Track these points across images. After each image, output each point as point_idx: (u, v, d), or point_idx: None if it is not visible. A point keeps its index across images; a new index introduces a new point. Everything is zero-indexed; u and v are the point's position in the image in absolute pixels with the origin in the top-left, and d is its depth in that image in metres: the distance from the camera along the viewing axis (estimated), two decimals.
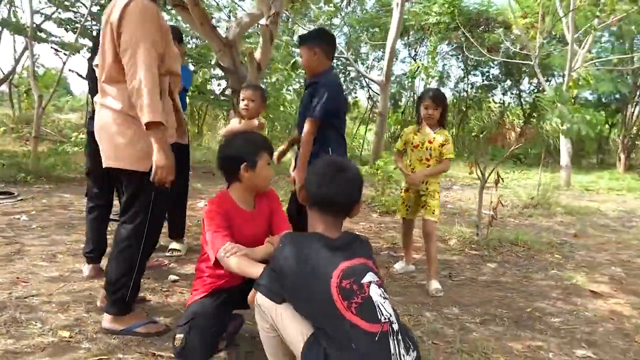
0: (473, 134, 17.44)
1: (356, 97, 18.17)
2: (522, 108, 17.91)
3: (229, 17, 11.94)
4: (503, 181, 4.95)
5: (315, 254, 1.63)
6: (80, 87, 58.49)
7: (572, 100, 7.00)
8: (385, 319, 1.55)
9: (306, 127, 3.04)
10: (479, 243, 4.74)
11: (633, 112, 15.87)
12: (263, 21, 4.24)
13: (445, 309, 3.15)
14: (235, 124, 3.69)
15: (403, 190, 3.88)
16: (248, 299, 1.82)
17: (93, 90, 3.15)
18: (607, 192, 10.31)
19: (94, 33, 7.88)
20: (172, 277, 3.37)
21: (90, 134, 3.12)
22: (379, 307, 1.55)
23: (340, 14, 13.54)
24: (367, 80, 16.28)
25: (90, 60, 3.30)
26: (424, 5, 15.03)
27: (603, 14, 9.02)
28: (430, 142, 3.64)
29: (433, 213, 3.60)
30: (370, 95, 17.73)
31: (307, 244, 1.67)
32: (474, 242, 4.76)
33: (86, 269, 3.33)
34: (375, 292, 1.58)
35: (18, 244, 3.98)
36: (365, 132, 17.24)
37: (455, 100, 18.10)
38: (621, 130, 15.23)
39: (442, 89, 18.52)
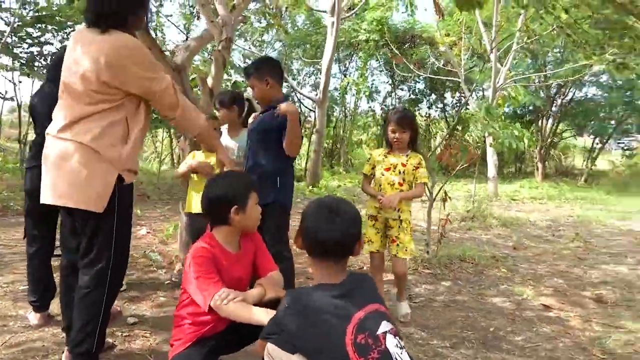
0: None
1: None
2: (447, 121, 18.73)
3: (156, 34, 11.62)
4: (451, 199, 5.13)
5: (324, 309, 1.57)
6: None
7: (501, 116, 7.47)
8: None
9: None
10: (430, 261, 4.86)
11: (546, 124, 17.10)
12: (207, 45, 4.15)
13: (414, 334, 3.18)
14: (189, 159, 3.57)
15: (370, 219, 3.46)
16: (256, 350, 1.74)
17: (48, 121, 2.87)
18: (530, 201, 11.00)
19: (16, 50, 7.36)
20: (131, 319, 3.17)
21: (31, 169, 2.89)
22: (396, 359, 1.53)
23: (272, 31, 13.55)
24: (298, 95, 16.39)
25: (49, 87, 2.97)
26: (353, 23, 15.37)
27: (525, 37, 9.67)
28: (403, 164, 3.38)
29: (406, 250, 3.34)
30: (301, 110, 17.86)
31: (313, 301, 1.61)
32: (425, 260, 4.88)
33: (33, 317, 3.05)
34: (391, 343, 1.55)
35: None
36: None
37: (383, 115, 18.67)
38: (537, 141, 16.33)
39: (371, 104, 19.09)
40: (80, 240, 2.33)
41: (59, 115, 2.25)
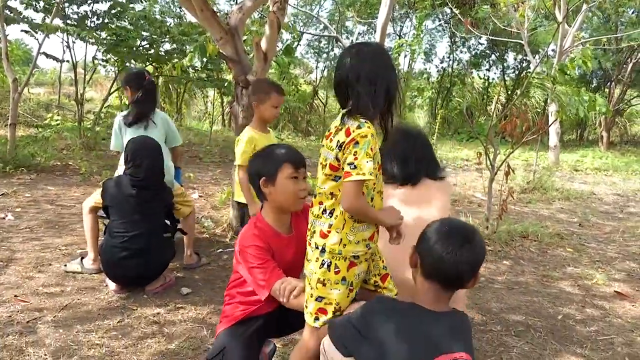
0: (456, 110, 17.44)
1: None
2: (506, 84, 17.85)
3: None
4: (514, 172, 4.81)
5: (414, 334, 1.43)
6: (47, 62, 56.45)
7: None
8: None
9: None
10: (490, 237, 4.62)
11: (615, 90, 15.99)
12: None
13: (475, 319, 3.00)
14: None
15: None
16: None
17: None
18: (594, 172, 10.37)
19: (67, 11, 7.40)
20: (184, 289, 3.14)
21: None
22: None
23: None
24: None
25: None
26: None
27: None
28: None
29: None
30: None
31: (406, 321, 1.47)
32: (484, 236, 4.63)
33: (112, 283, 3.12)
34: None
35: (7, 250, 3.68)
36: None
37: (439, 77, 17.96)
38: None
39: (427, 65, 18.36)
40: None
41: None
